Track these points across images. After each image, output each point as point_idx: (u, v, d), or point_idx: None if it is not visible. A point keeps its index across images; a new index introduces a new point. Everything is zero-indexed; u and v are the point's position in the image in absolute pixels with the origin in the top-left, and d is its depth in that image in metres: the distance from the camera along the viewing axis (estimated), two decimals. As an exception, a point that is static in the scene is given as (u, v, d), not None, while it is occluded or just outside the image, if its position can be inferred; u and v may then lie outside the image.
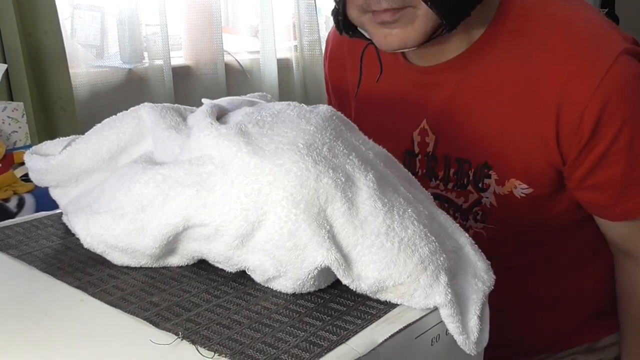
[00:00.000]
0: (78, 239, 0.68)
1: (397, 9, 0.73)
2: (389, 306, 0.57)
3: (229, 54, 2.01)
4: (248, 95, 0.83)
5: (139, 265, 0.65)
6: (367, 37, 0.81)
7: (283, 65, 2.13)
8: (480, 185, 0.86)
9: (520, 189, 0.84)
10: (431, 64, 0.85)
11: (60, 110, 1.57)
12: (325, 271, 0.57)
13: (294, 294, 0.59)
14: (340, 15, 0.80)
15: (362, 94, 0.92)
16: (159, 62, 1.82)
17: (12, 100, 1.50)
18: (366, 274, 0.57)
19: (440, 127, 0.87)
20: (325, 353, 0.49)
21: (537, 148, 0.80)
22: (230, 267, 0.62)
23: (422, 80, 0.87)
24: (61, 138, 0.79)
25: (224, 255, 0.61)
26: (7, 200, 1.12)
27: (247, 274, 0.63)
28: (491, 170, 0.85)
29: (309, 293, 0.60)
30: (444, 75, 0.85)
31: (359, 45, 0.87)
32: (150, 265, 0.66)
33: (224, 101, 0.77)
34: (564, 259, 0.95)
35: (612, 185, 0.80)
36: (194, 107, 0.77)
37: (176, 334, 0.52)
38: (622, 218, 0.84)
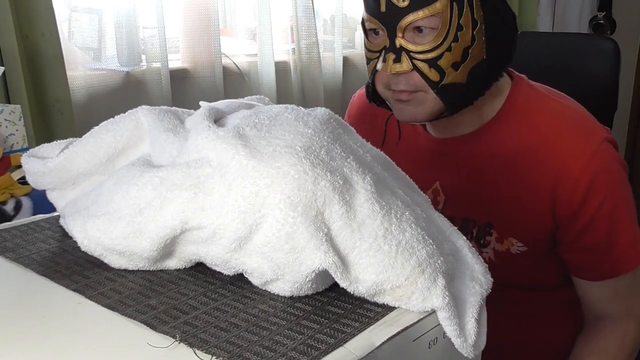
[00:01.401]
0: (75, 242, 0.68)
1: (411, 91, 0.89)
2: (387, 309, 0.57)
3: (227, 56, 2.00)
4: (246, 98, 0.83)
5: (136, 268, 0.65)
6: (391, 108, 0.97)
7: (281, 68, 2.12)
8: (481, 241, 0.99)
9: (517, 246, 0.96)
10: (447, 137, 1.00)
11: (57, 112, 1.57)
12: (323, 274, 0.57)
13: (291, 297, 0.59)
14: (370, 88, 0.97)
15: (386, 154, 1.03)
16: (157, 64, 1.81)
17: (9, 102, 1.50)
18: (364, 277, 0.57)
19: (451, 190, 1.01)
20: (323, 356, 0.49)
21: (534, 214, 0.94)
22: (227, 270, 0.62)
23: (438, 150, 1.01)
24: (58, 141, 0.79)
25: (222, 258, 0.61)
26: (4, 203, 1.12)
27: (244, 277, 0.63)
28: (492, 229, 0.97)
29: (306, 296, 0.60)
30: (457, 147, 0.99)
31: (380, 114, 1.06)
32: (147, 268, 0.65)
33: (221, 104, 0.77)
34: (537, 316, 1.06)
35: (595, 249, 0.93)
36: (192, 110, 0.77)
37: (174, 337, 0.52)
38: (601, 278, 0.96)
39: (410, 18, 0.85)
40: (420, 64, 0.87)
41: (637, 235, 0.93)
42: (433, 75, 0.87)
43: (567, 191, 0.90)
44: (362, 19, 0.92)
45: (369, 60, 0.94)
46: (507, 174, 0.95)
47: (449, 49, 0.86)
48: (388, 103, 0.96)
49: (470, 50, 0.87)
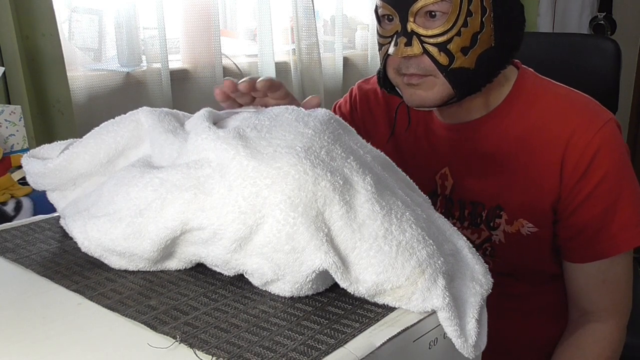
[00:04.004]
0: (76, 243, 0.68)
1: (421, 75, 0.92)
2: (387, 309, 0.57)
3: (227, 57, 2.00)
4: (243, 107, 0.84)
5: (136, 269, 0.65)
6: (401, 95, 0.99)
7: (281, 69, 2.12)
8: (491, 224, 1.01)
9: (527, 227, 0.98)
10: (456, 122, 1.03)
11: (58, 113, 1.57)
12: (323, 274, 0.57)
13: (291, 298, 0.59)
14: (381, 74, 1.00)
15: (399, 140, 1.10)
16: (157, 65, 1.81)
17: (9, 103, 1.50)
18: (364, 277, 0.57)
19: (460, 175, 1.03)
20: (324, 356, 0.49)
21: (544, 191, 0.95)
22: (228, 271, 0.62)
23: (448, 136, 1.04)
24: (59, 141, 0.79)
25: (222, 258, 0.61)
26: (4, 203, 1.12)
27: (245, 277, 0.63)
28: (502, 211, 0.99)
29: (306, 296, 0.60)
30: (466, 132, 1.02)
31: (393, 103, 1.11)
32: (148, 269, 0.66)
33: (221, 112, 0.78)
34: (534, 314, 1.07)
35: (588, 227, 0.95)
36: (192, 114, 0.77)
37: (174, 337, 0.52)
38: (590, 259, 0.97)
39: (421, 2, 0.88)
40: (430, 48, 0.90)
41: (634, 220, 0.94)
42: (442, 59, 0.90)
43: (573, 161, 0.93)
44: (376, 6, 0.95)
45: (381, 46, 0.97)
46: (516, 154, 0.97)
47: (458, 34, 0.89)
48: (398, 90, 0.98)
49: (479, 36, 0.90)
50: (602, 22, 3.25)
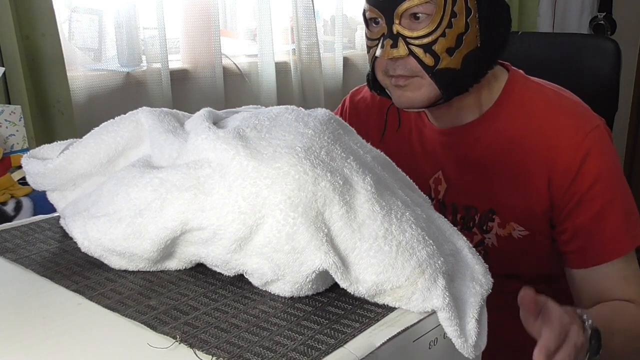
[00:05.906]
0: (76, 243, 0.68)
1: (408, 76, 0.93)
2: (387, 309, 0.57)
3: (227, 57, 2.00)
4: (242, 107, 0.84)
5: (136, 269, 0.65)
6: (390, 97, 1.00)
7: (281, 69, 2.12)
8: (484, 227, 1.01)
9: (518, 231, 0.99)
10: (448, 126, 1.03)
11: (58, 113, 1.56)
12: (323, 274, 0.57)
13: (291, 298, 0.59)
14: (370, 77, 1.01)
15: (391, 143, 1.11)
16: (157, 65, 1.81)
17: (9, 103, 1.50)
18: (364, 277, 0.57)
19: (453, 179, 1.04)
20: (324, 356, 0.49)
21: (533, 196, 0.96)
22: (228, 271, 0.62)
23: (441, 140, 1.05)
24: (59, 142, 0.80)
25: (222, 259, 0.61)
26: (4, 203, 1.12)
27: (245, 277, 0.63)
28: (495, 215, 1.00)
29: (306, 296, 0.60)
30: (458, 137, 1.02)
31: (386, 108, 1.13)
32: (148, 269, 0.66)
33: (221, 112, 0.78)
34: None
35: (582, 231, 0.95)
36: (192, 114, 0.77)
37: (174, 337, 0.52)
38: (589, 264, 0.96)
39: (406, 5, 0.89)
40: (415, 49, 0.91)
41: (629, 221, 0.94)
42: (428, 60, 0.91)
43: (560, 169, 0.94)
44: (363, 10, 0.96)
45: (369, 49, 0.98)
46: (507, 159, 0.98)
47: (443, 35, 0.90)
48: (388, 91, 0.99)
49: (464, 37, 0.91)
50: (602, 22, 3.24)
